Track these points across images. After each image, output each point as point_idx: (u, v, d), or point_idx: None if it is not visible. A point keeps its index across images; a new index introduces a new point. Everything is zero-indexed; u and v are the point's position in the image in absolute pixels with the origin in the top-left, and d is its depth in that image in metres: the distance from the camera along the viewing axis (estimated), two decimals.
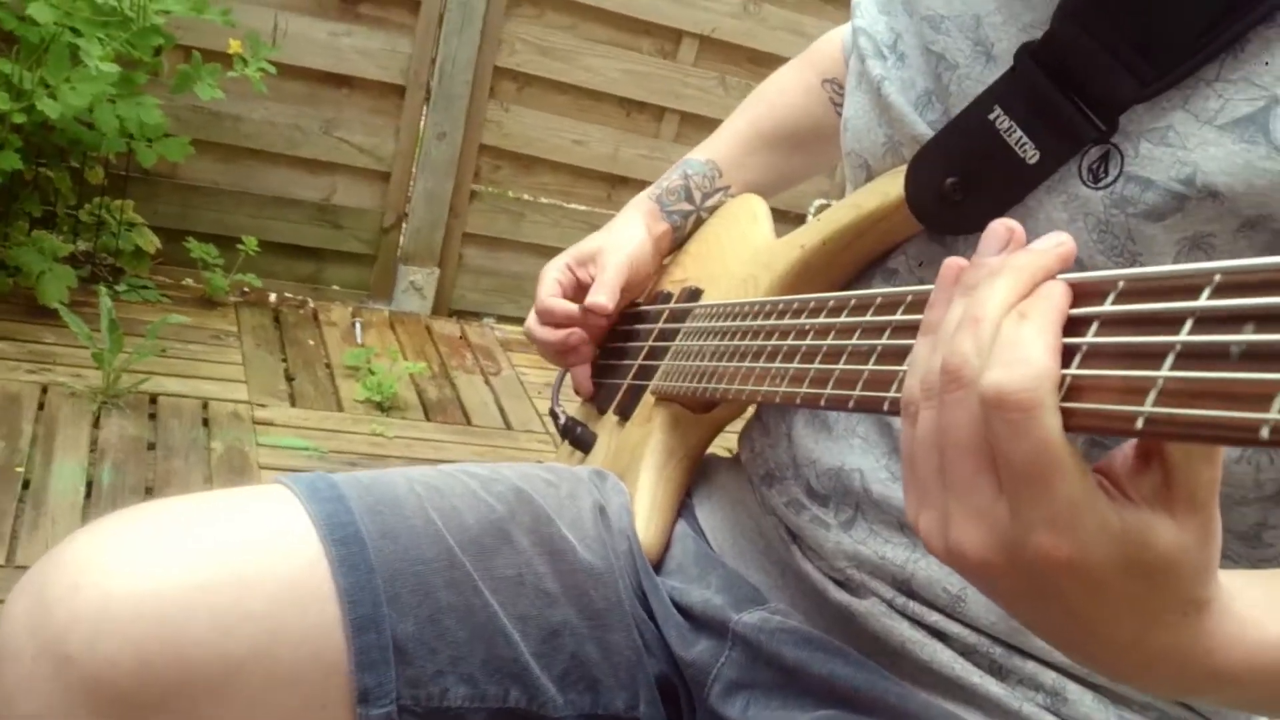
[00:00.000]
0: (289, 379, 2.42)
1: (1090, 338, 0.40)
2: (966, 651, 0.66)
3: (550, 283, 0.96)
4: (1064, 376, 0.40)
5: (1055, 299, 0.41)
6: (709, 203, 0.99)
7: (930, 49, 0.68)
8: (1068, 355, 0.40)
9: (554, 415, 1.00)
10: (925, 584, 0.67)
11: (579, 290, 0.96)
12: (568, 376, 1.01)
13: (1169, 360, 0.36)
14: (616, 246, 0.95)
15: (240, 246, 2.62)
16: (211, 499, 0.70)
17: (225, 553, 0.65)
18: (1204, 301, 0.36)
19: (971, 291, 0.44)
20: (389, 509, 0.71)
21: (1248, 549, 0.63)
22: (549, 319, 0.96)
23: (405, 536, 0.70)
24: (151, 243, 2.54)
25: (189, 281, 2.66)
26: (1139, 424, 0.36)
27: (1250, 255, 0.55)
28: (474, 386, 2.64)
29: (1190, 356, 0.36)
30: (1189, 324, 0.36)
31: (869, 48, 0.72)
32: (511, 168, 2.92)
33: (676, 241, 1.00)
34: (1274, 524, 0.62)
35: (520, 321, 2.99)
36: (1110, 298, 0.40)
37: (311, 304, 2.79)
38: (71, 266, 2.33)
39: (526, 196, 2.97)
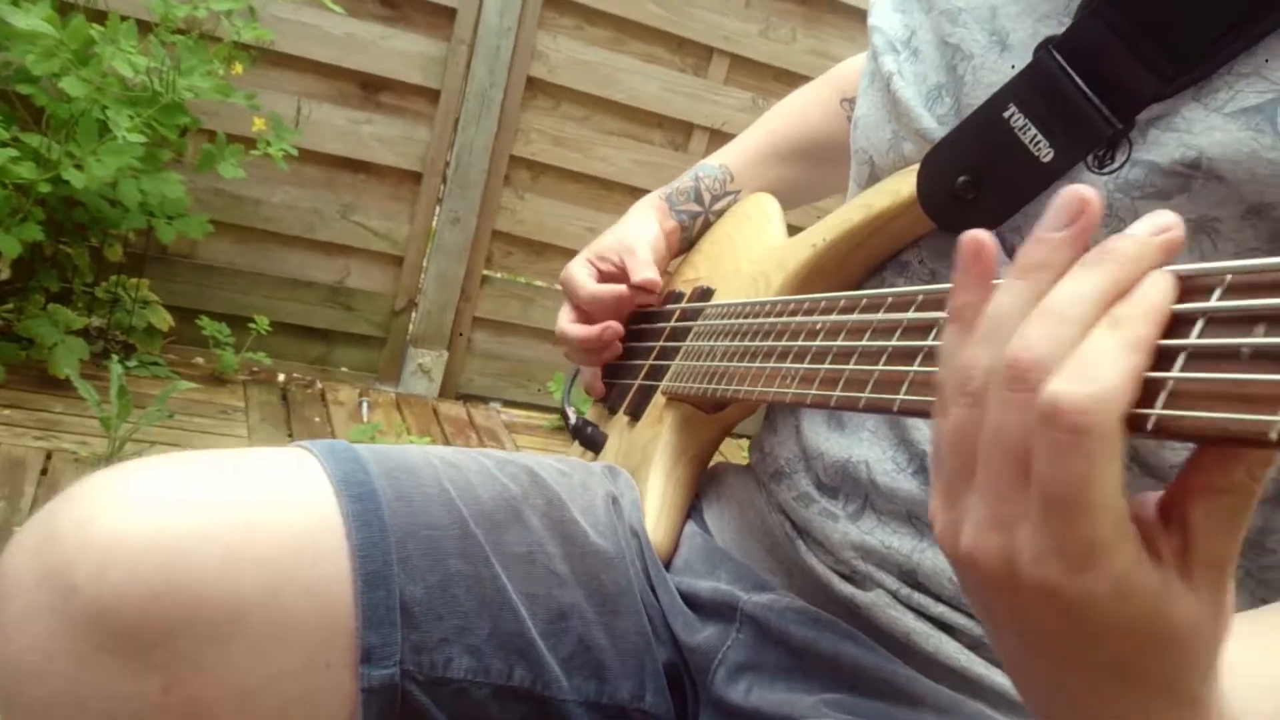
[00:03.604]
0: None
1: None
2: (972, 644, 0.65)
3: (583, 276, 0.96)
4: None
5: (1156, 303, 0.37)
6: (718, 205, 0.99)
7: (947, 41, 0.68)
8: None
9: (564, 415, 1.00)
10: (931, 574, 0.66)
11: (606, 280, 0.96)
12: (578, 377, 1.01)
13: (1179, 361, 0.36)
14: (635, 235, 0.96)
15: (252, 326, 2.64)
16: (230, 453, 0.69)
17: (240, 499, 0.65)
18: (1215, 302, 0.36)
19: (1034, 274, 0.39)
20: (405, 475, 0.71)
21: (1254, 557, 0.62)
22: (596, 305, 0.95)
23: (420, 502, 0.70)
24: (165, 321, 2.57)
25: (199, 360, 2.68)
26: (1150, 425, 0.35)
27: (1255, 242, 0.56)
28: None
29: (1201, 357, 0.35)
30: (1199, 325, 0.36)
31: (882, 44, 0.73)
32: (523, 253, 2.96)
33: (685, 241, 1.01)
34: (1276, 528, 0.61)
35: (527, 406, 3.03)
36: None
37: (319, 384, 2.80)
38: (84, 341, 2.35)
39: (538, 282, 3.00)
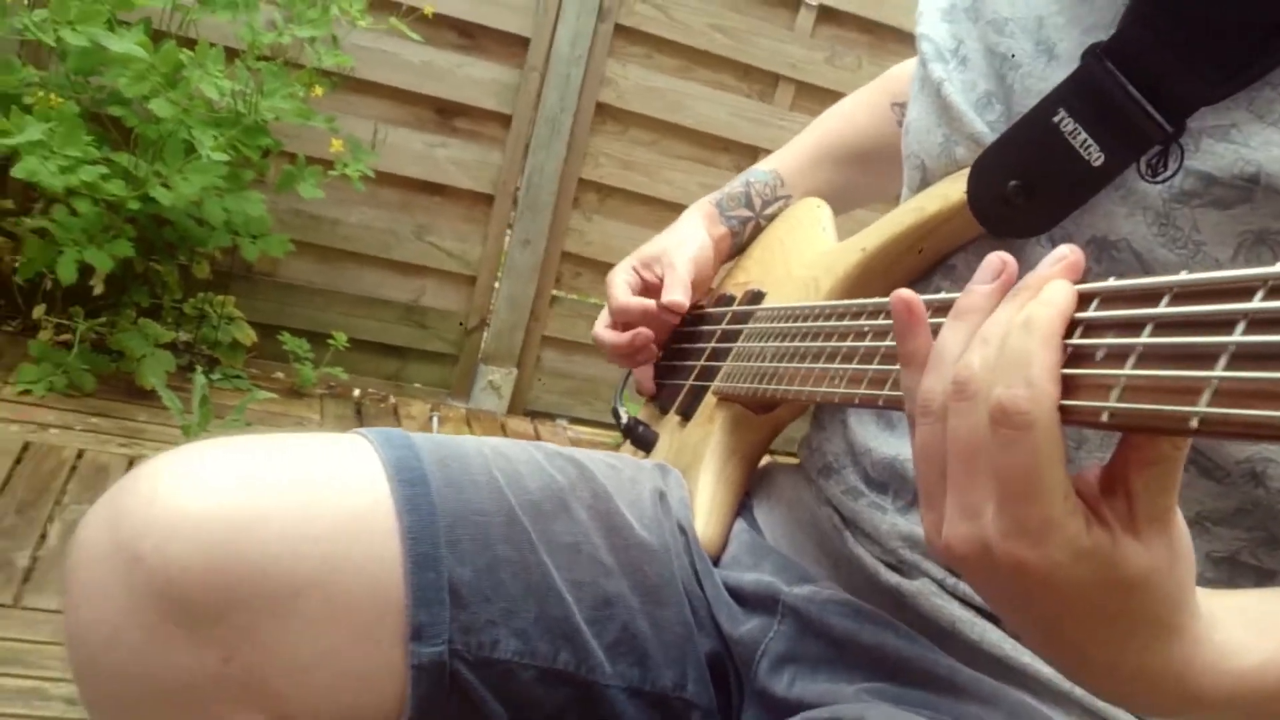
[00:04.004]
0: None
1: (1145, 338, 0.41)
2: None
3: (621, 284, 0.99)
4: (1120, 377, 0.41)
5: (1058, 302, 0.44)
6: (769, 210, 1.01)
7: (995, 50, 0.69)
8: (1122, 357, 0.42)
9: (616, 414, 1.02)
10: None
11: (646, 291, 0.99)
12: (631, 379, 1.03)
13: (1222, 361, 0.38)
14: (680, 247, 0.98)
15: (330, 342, 2.73)
16: (290, 437, 0.72)
17: (299, 481, 0.67)
18: (1257, 303, 0.37)
19: (968, 316, 0.48)
20: (456, 462, 0.74)
21: (1268, 553, 0.62)
22: (624, 317, 0.98)
23: (469, 489, 0.72)
24: (249, 336, 2.66)
25: (280, 374, 2.77)
26: (1194, 423, 0.38)
27: None
28: None
29: (1243, 357, 0.37)
30: (1242, 325, 0.37)
31: (930, 51, 0.74)
32: (592, 275, 3.01)
33: (735, 247, 1.02)
34: None
35: (594, 424, 3.07)
36: (1165, 300, 0.41)
37: (393, 399, 2.88)
38: (171, 354, 2.44)
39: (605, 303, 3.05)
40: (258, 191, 2.40)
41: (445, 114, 2.76)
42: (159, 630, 0.62)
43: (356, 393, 2.84)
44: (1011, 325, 0.45)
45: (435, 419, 2.82)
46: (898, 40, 2.97)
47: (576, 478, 0.78)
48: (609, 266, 3.22)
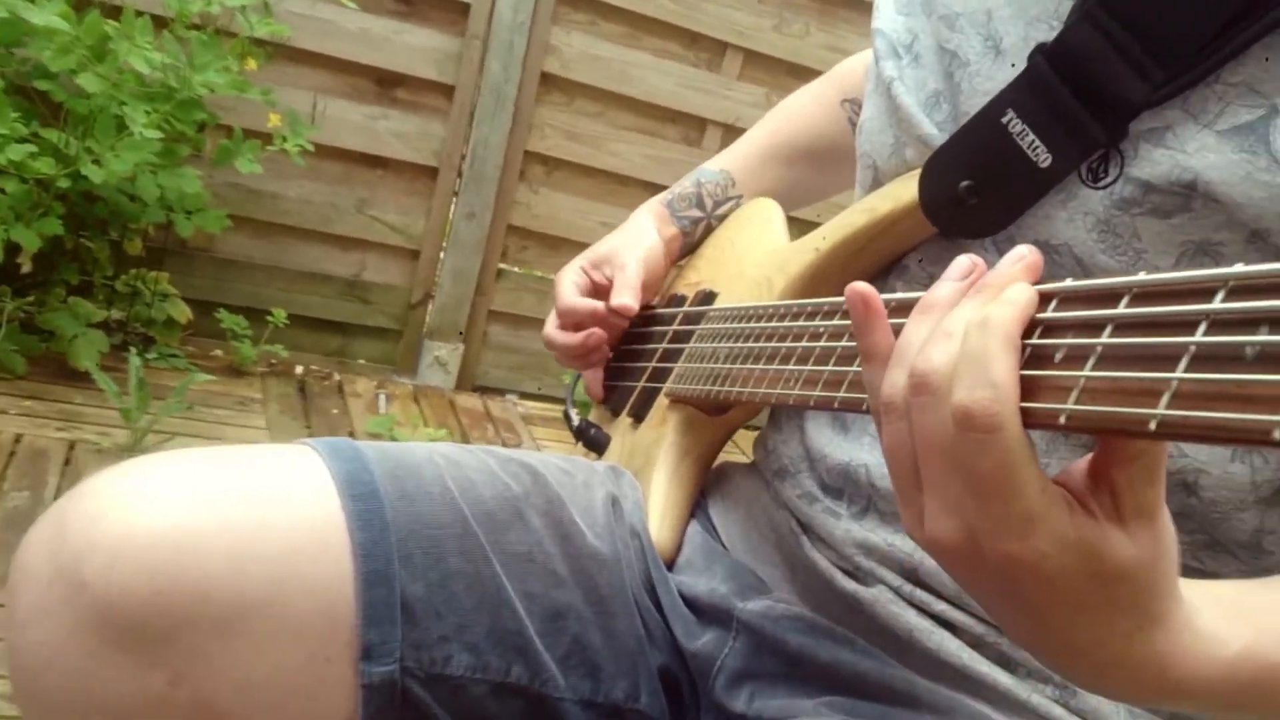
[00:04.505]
0: None
1: (1105, 339, 0.40)
2: (975, 643, 0.66)
3: (569, 285, 0.98)
4: (1079, 379, 0.41)
5: (1018, 302, 0.45)
6: (720, 210, 1.00)
7: (944, 47, 0.69)
8: (1082, 358, 0.41)
9: (567, 417, 1.01)
10: (932, 572, 0.66)
11: (595, 292, 0.98)
12: (580, 380, 1.02)
13: (1183, 362, 0.37)
14: (631, 248, 0.97)
15: (270, 319, 2.67)
16: (236, 450, 0.70)
17: (246, 497, 0.66)
18: (1218, 304, 0.37)
19: (933, 310, 0.48)
20: (407, 474, 0.72)
21: (1251, 559, 0.62)
22: (571, 319, 0.97)
23: (421, 501, 0.71)
24: (184, 313, 2.59)
25: (218, 352, 2.71)
26: (1152, 426, 0.37)
27: None
28: None
29: (1204, 359, 0.36)
30: (1203, 326, 0.37)
31: (884, 48, 0.73)
32: (538, 248, 2.98)
33: (686, 247, 1.01)
34: (1271, 528, 0.61)
35: (544, 399, 3.05)
36: (1125, 300, 0.41)
37: (337, 376, 2.83)
38: (104, 333, 2.38)
39: (552, 276, 3.01)
40: (193, 167, 2.33)
41: (385, 84, 2.70)
42: (103, 654, 0.61)
43: (299, 370, 2.79)
44: (971, 324, 0.45)
45: (383, 397, 2.78)
46: (847, 6, 2.95)
47: (530, 485, 0.77)
48: (556, 240, 3.21)
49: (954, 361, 0.44)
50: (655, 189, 3.18)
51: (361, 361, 2.92)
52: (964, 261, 0.50)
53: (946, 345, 0.45)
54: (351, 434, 2.54)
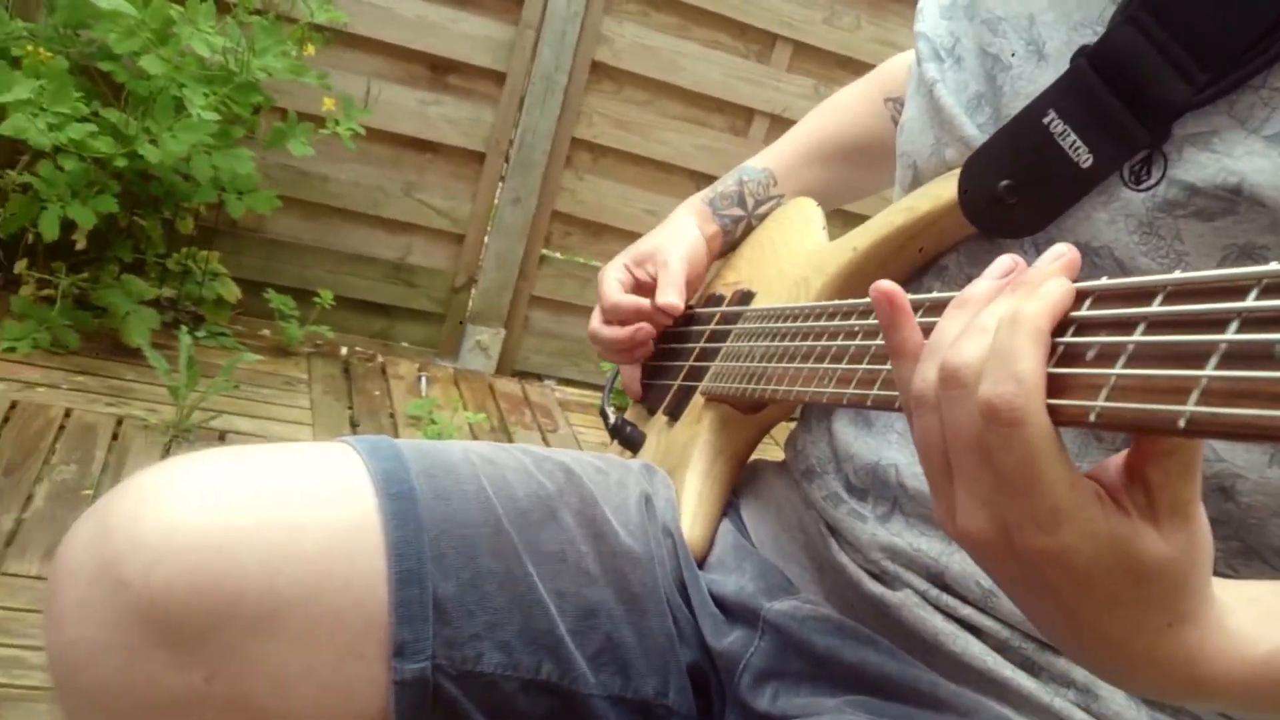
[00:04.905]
0: (353, 425, 2.48)
1: (1137, 337, 0.41)
2: (999, 647, 0.66)
3: (612, 282, 0.98)
4: (1110, 377, 0.41)
5: (1050, 297, 0.44)
6: (761, 210, 1.00)
7: (986, 51, 0.69)
8: (1113, 356, 0.41)
9: (604, 415, 1.02)
10: (959, 577, 0.67)
11: (638, 289, 0.98)
12: (617, 378, 1.02)
13: (1213, 360, 0.37)
14: (674, 245, 0.97)
15: (316, 300, 2.71)
16: (277, 449, 0.71)
17: (284, 496, 0.67)
18: (1251, 302, 0.37)
19: (969, 305, 0.48)
20: (443, 473, 0.73)
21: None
22: (616, 315, 0.97)
23: (456, 500, 0.72)
24: (233, 293, 2.64)
25: (265, 331, 2.75)
26: (1181, 424, 0.37)
27: None
28: (531, 442, 2.68)
29: (1235, 357, 0.36)
30: (1235, 325, 0.37)
31: (926, 51, 0.73)
32: (582, 234, 2.99)
33: (727, 245, 1.02)
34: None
35: (581, 385, 3.07)
36: (1158, 299, 0.41)
37: (380, 358, 2.86)
38: (156, 311, 2.42)
39: (595, 263, 3.03)
40: (247, 148, 2.37)
41: (439, 70, 2.72)
42: (142, 651, 0.62)
43: (344, 351, 2.82)
44: (1003, 319, 0.45)
45: (424, 380, 2.81)
46: (897, 0, 2.94)
47: (565, 483, 0.78)
48: (600, 227, 3.23)
49: (984, 355, 0.44)
50: (700, 177, 3.19)
51: (404, 344, 2.95)
52: (1005, 261, 0.50)
53: (979, 340, 0.45)
54: (392, 416, 2.58)
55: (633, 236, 3.34)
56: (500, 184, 2.88)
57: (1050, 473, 0.42)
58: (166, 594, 0.62)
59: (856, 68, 2.97)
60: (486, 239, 2.92)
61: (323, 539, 0.66)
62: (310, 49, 2.33)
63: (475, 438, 2.58)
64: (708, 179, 3.00)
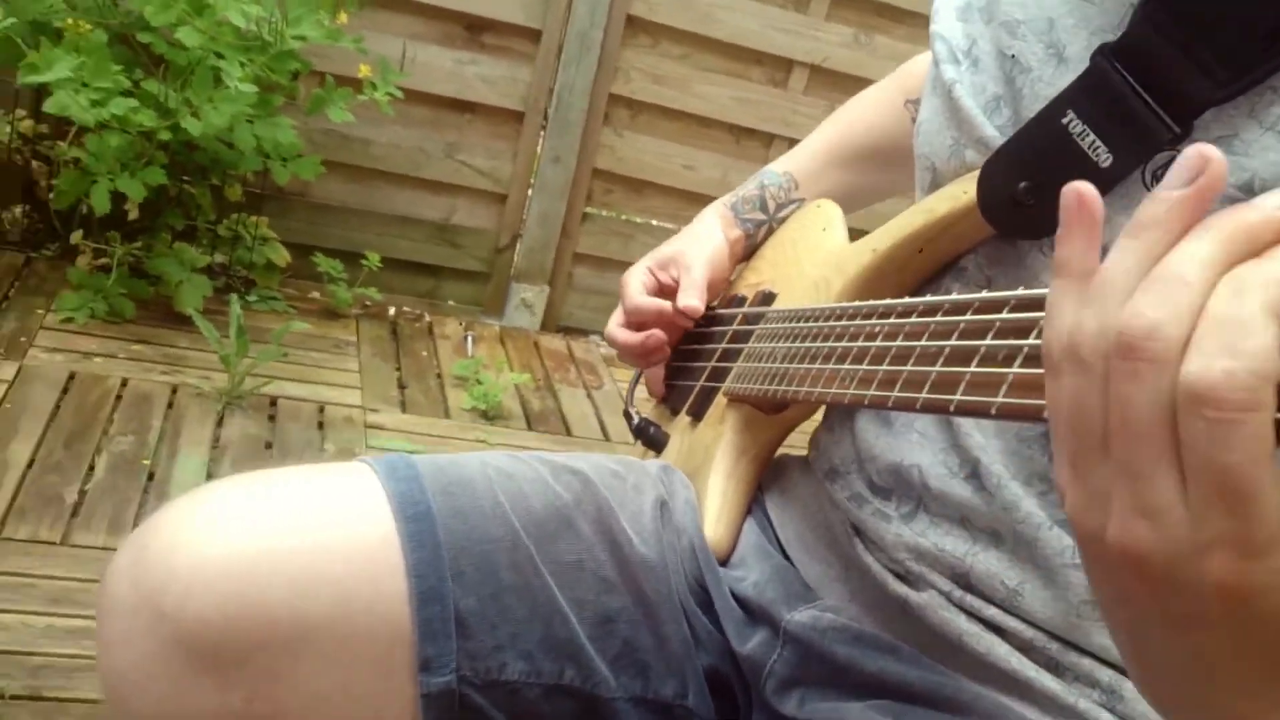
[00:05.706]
0: (401, 387, 2.53)
1: None
2: (1024, 647, 0.67)
3: (636, 285, 0.99)
4: None
5: None
6: (782, 214, 1.01)
7: (1005, 53, 0.69)
8: None
9: (628, 416, 1.03)
10: (983, 577, 0.67)
11: (661, 292, 1.00)
12: (642, 379, 1.04)
13: None
14: (697, 249, 0.99)
15: (364, 262, 2.74)
16: (300, 473, 0.75)
17: (307, 523, 0.71)
18: None
19: (1148, 232, 0.37)
20: (460, 490, 0.76)
21: None
22: (638, 317, 0.99)
23: (474, 516, 0.74)
24: (283, 257, 2.69)
25: (315, 294, 2.80)
26: None
27: None
28: (576, 399, 2.71)
29: None
30: None
31: (944, 52, 0.73)
32: (623, 191, 3.00)
33: (749, 249, 1.03)
34: None
35: None
36: None
37: (428, 318, 2.90)
38: (208, 277, 2.48)
39: (637, 219, 3.04)
40: (287, 115, 2.40)
41: (474, 30, 2.72)
42: (185, 677, 0.67)
43: (392, 312, 2.87)
44: (1226, 282, 0.34)
45: (470, 339, 2.85)
46: None
47: (581, 492, 0.80)
48: (640, 183, 3.22)
49: (1188, 319, 0.34)
50: (740, 131, 3.16)
51: (451, 303, 2.99)
52: (1192, 158, 0.36)
53: (1169, 296, 0.35)
54: (439, 377, 2.62)
55: (673, 192, 3.32)
56: (540, 143, 2.89)
57: (1269, 481, 0.33)
58: (202, 625, 0.66)
59: (896, 15, 2.92)
60: (529, 198, 2.93)
61: (346, 562, 0.70)
62: (343, 17, 2.34)
63: (521, 399, 2.62)
64: (747, 132, 2.99)
